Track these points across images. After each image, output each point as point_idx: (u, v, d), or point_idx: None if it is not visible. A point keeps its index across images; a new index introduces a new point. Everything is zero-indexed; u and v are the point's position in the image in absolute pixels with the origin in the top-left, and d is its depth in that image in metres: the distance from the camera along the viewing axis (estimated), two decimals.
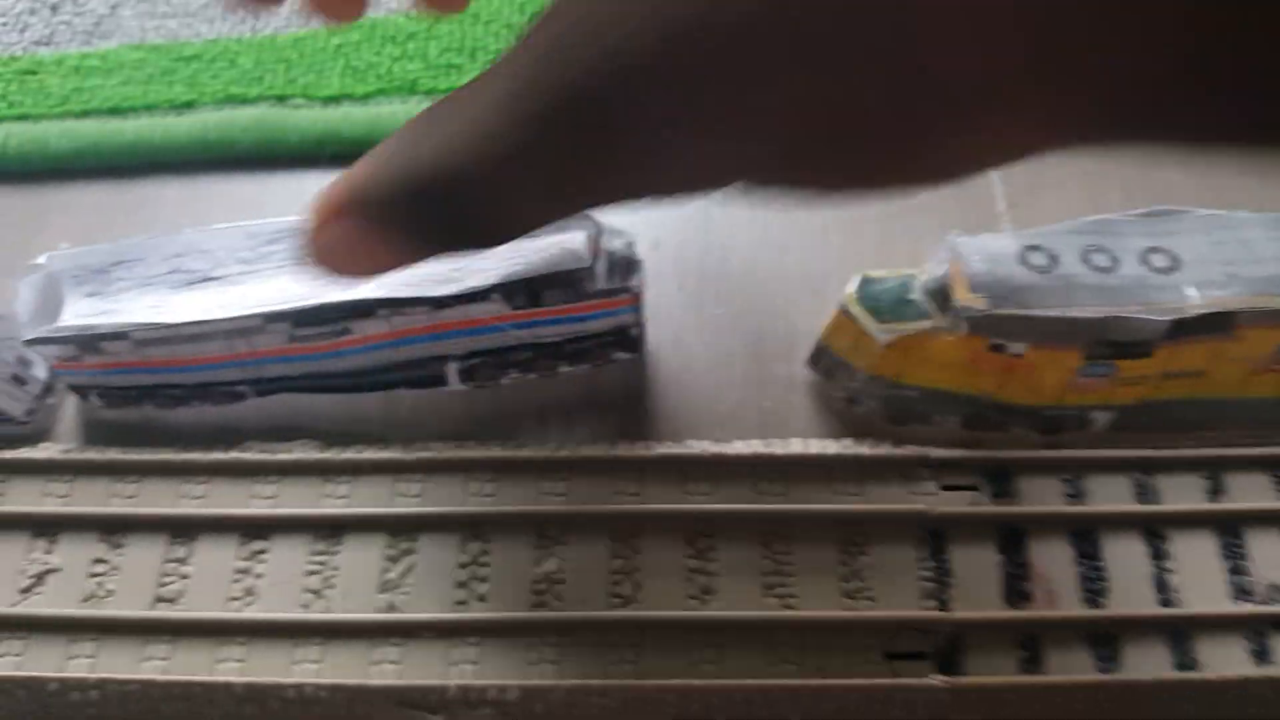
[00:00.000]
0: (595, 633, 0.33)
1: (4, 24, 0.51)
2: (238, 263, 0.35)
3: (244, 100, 0.46)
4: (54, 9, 0.51)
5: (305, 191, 0.44)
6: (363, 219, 0.23)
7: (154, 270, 0.36)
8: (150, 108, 0.46)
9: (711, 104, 0.18)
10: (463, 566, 0.34)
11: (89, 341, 0.35)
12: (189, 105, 0.46)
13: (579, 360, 0.38)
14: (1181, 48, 0.15)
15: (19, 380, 0.39)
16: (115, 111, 0.46)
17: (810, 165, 0.19)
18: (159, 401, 0.38)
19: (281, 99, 0.46)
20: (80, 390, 0.38)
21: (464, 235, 0.23)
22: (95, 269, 0.36)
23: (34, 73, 0.48)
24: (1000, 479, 0.35)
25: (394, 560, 0.35)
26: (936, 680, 0.31)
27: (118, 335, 0.35)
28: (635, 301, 0.36)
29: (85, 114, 0.47)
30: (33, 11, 0.51)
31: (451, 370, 0.37)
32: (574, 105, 0.19)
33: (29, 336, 0.35)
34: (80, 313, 0.35)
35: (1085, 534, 0.34)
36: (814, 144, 0.18)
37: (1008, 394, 0.34)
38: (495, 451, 0.36)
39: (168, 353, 0.35)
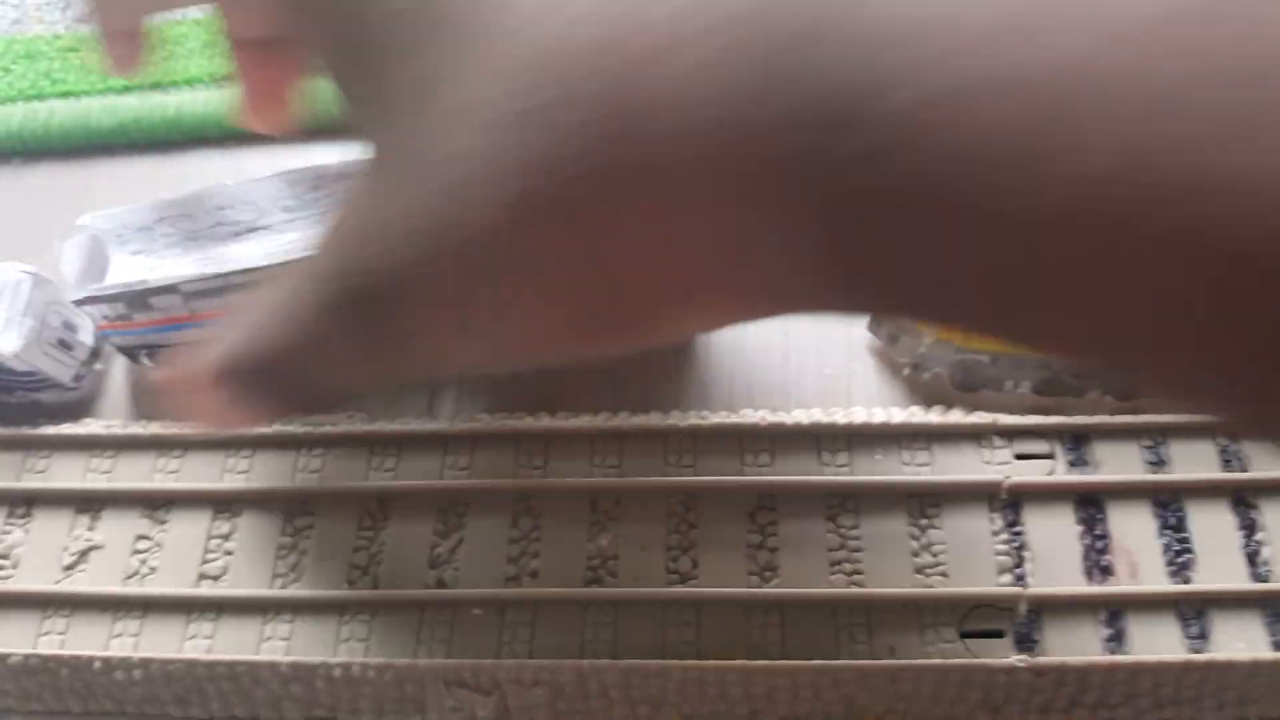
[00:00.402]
0: (651, 611, 0.31)
1: (48, 2, 0.50)
2: (282, 210, 0.34)
3: None
4: None
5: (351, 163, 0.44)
6: (223, 389, 0.25)
7: (199, 224, 0.34)
8: (192, 82, 0.45)
9: (454, 303, 0.21)
10: (513, 542, 0.33)
11: (139, 298, 0.34)
12: (230, 77, 0.45)
13: None
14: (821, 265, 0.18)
15: (65, 345, 0.38)
16: (157, 86, 0.45)
17: (542, 350, 0.23)
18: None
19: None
20: (129, 352, 0.37)
21: (301, 402, 0.27)
22: (139, 227, 0.35)
23: (76, 49, 0.47)
24: (1077, 445, 0.33)
25: (443, 535, 0.33)
26: (1016, 660, 0.29)
27: (168, 289, 0.34)
28: None
29: (127, 90, 0.45)
30: None
31: None
32: (355, 301, 0.21)
33: (77, 296, 0.34)
34: (127, 271, 0.34)
35: (1169, 503, 0.32)
36: (543, 335, 0.21)
37: None
38: (545, 423, 0.35)
39: (219, 305, 0.34)
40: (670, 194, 0.18)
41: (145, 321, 0.35)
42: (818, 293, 0.20)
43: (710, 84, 0.17)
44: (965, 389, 0.34)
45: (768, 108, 0.17)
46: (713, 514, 0.32)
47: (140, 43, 0.32)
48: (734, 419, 0.34)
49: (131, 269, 0.34)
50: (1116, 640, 0.30)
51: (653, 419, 0.34)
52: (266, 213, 0.34)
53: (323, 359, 0.24)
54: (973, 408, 0.34)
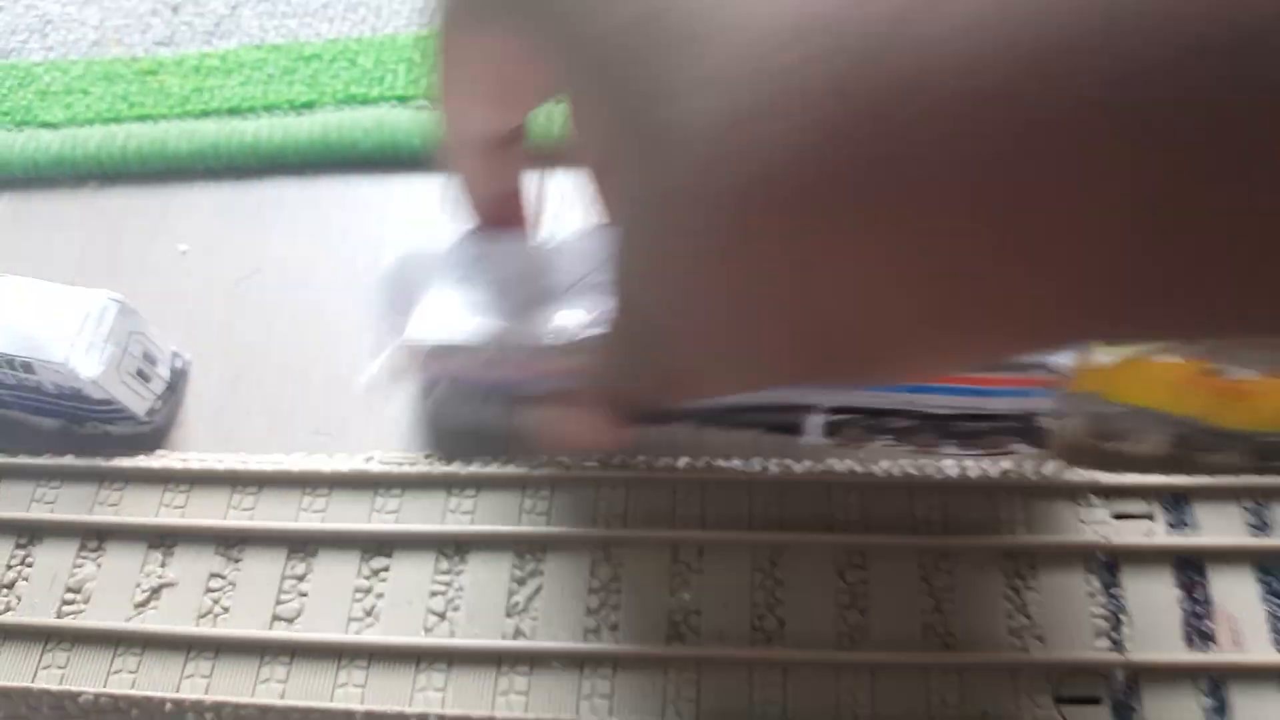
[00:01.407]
0: (736, 670, 0.30)
1: (126, 25, 0.49)
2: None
3: (365, 101, 0.44)
4: (175, 10, 0.49)
5: (428, 194, 0.43)
6: (593, 414, 0.30)
7: (512, 278, 0.32)
8: (270, 108, 0.44)
9: (706, 337, 0.22)
10: (593, 592, 0.31)
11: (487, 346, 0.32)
12: (309, 106, 0.44)
13: (970, 443, 0.33)
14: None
15: (143, 376, 0.37)
16: (235, 112, 0.44)
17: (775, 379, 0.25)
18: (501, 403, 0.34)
19: (403, 99, 0.43)
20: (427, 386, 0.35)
21: (640, 419, 0.30)
22: (454, 268, 0.33)
23: (154, 73, 0.46)
24: (1177, 506, 0.31)
25: (521, 582, 0.32)
26: None
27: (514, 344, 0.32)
28: (1054, 384, 0.30)
29: (205, 114, 0.45)
30: (154, 12, 0.49)
31: (814, 423, 0.33)
32: (638, 342, 0.25)
33: (416, 339, 0.32)
34: (446, 311, 0.32)
35: (1272, 568, 0.30)
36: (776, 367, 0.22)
37: (1220, 417, 0.30)
38: (625, 473, 0.33)
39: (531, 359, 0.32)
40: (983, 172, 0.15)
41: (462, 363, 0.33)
42: (1115, 307, 0.17)
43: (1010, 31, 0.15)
44: (1101, 439, 0.32)
45: (1118, 54, 0.14)
46: (800, 569, 0.31)
47: (516, 203, 0.33)
48: (821, 467, 0.32)
49: (445, 310, 0.32)
50: (1219, 712, 0.28)
51: (736, 465, 0.33)
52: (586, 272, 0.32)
53: (636, 389, 0.27)
54: (1106, 461, 0.32)
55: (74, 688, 0.32)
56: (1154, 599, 0.30)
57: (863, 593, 0.30)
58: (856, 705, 0.29)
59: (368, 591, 0.32)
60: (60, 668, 0.33)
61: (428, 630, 0.31)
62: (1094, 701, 0.29)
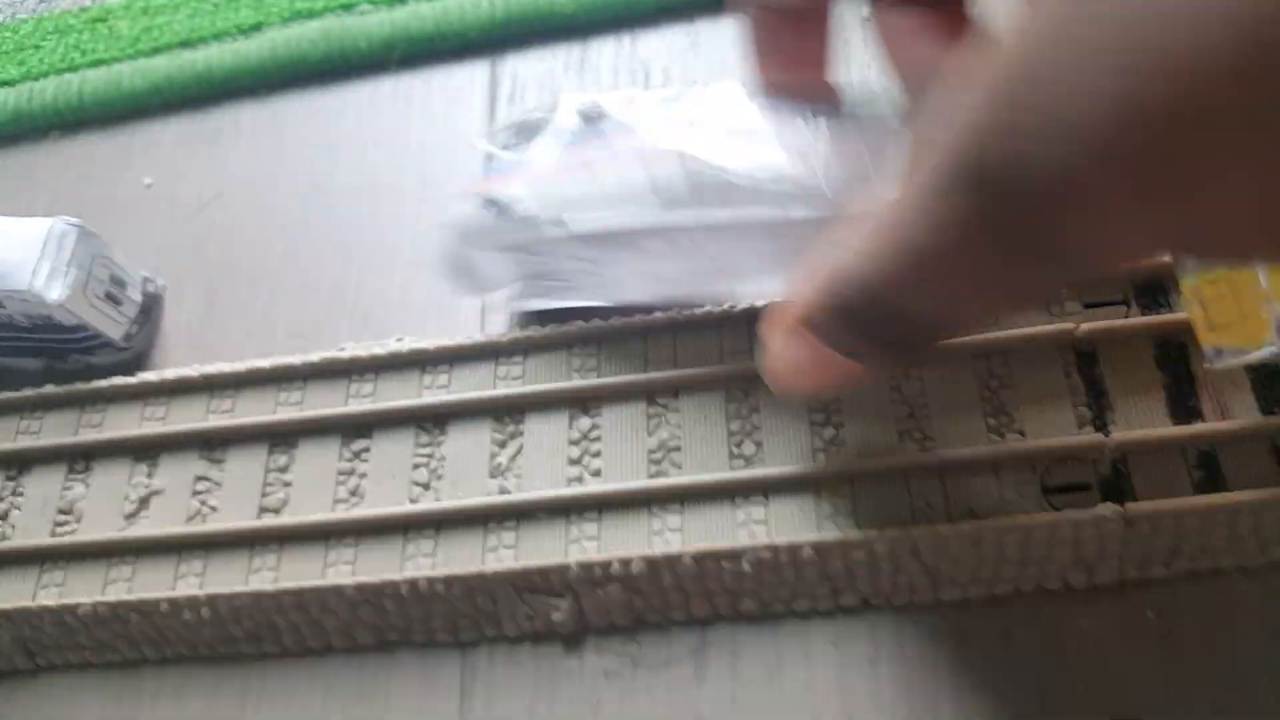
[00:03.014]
0: (718, 496, 0.29)
1: None
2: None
3: (310, 14, 0.43)
4: None
5: (380, 97, 0.42)
6: (813, 340, 0.23)
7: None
8: (219, 36, 0.43)
9: (1164, 189, 0.16)
10: (574, 443, 0.31)
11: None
12: (257, 28, 0.43)
13: None
14: None
15: (113, 299, 0.36)
16: (185, 44, 0.43)
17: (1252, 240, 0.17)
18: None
19: (348, 7, 0.42)
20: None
21: (896, 346, 0.22)
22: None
23: (104, 20, 0.45)
24: (1151, 291, 0.30)
25: (501, 445, 0.31)
26: (1106, 510, 0.26)
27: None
28: None
29: (156, 51, 0.44)
30: None
31: None
32: (996, 205, 0.17)
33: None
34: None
35: None
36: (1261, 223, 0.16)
37: None
38: (595, 324, 0.32)
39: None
40: None
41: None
42: None
43: None
44: None
45: None
46: (774, 397, 0.30)
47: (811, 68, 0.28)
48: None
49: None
50: (1211, 482, 0.27)
51: (708, 307, 0.32)
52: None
53: (939, 282, 0.19)
54: None
55: (72, 601, 0.31)
56: (1136, 381, 0.29)
57: (834, 407, 0.29)
58: (839, 514, 0.28)
59: (350, 473, 0.32)
60: (59, 585, 0.32)
61: (413, 501, 0.31)
62: (1083, 488, 0.28)
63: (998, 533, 0.27)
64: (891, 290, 0.20)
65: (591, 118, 0.30)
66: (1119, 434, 0.28)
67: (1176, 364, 0.29)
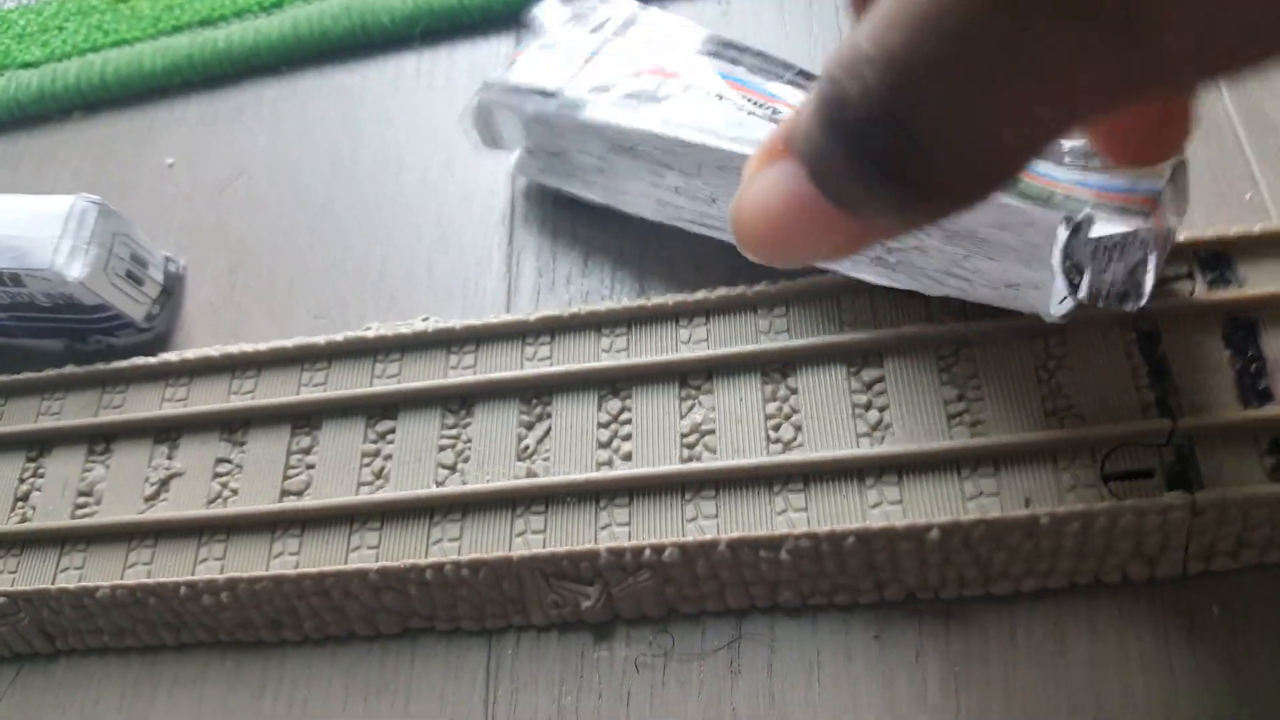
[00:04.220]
0: (756, 481, 0.27)
1: None
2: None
3: None
4: None
5: (403, 73, 0.40)
6: (798, 168, 0.16)
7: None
8: (240, 13, 0.42)
9: None
10: (603, 426, 0.29)
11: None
12: (278, 5, 0.41)
13: None
14: None
15: (134, 279, 0.35)
16: (206, 22, 0.42)
17: None
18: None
19: None
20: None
21: (910, 191, 0.15)
22: None
23: (125, 0, 0.44)
24: (1218, 265, 0.28)
25: (529, 427, 0.29)
26: (1173, 498, 0.24)
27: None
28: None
29: (177, 30, 0.42)
30: None
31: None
32: None
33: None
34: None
35: None
36: None
37: None
38: (624, 303, 0.30)
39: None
40: None
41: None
42: None
43: None
44: None
45: None
46: (813, 376, 0.28)
47: None
48: (826, 275, 0.29)
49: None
50: None
51: (739, 288, 0.30)
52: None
53: (971, 69, 0.13)
54: None
55: (91, 584, 0.30)
56: (1203, 361, 0.27)
57: (880, 390, 0.27)
58: (885, 502, 0.26)
59: (375, 455, 0.30)
60: (78, 568, 0.31)
61: (439, 484, 0.29)
62: (1146, 475, 0.26)
63: (1055, 522, 0.25)
64: (907, 86, 0.14)
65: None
66: (1186, 419, 0.26)
67: (1246, 343, 0.26)
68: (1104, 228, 0.23)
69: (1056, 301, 0.25)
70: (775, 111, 0.29)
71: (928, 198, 0.15)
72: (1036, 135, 0.14)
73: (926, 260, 0.27)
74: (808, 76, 0.30)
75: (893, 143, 0.14)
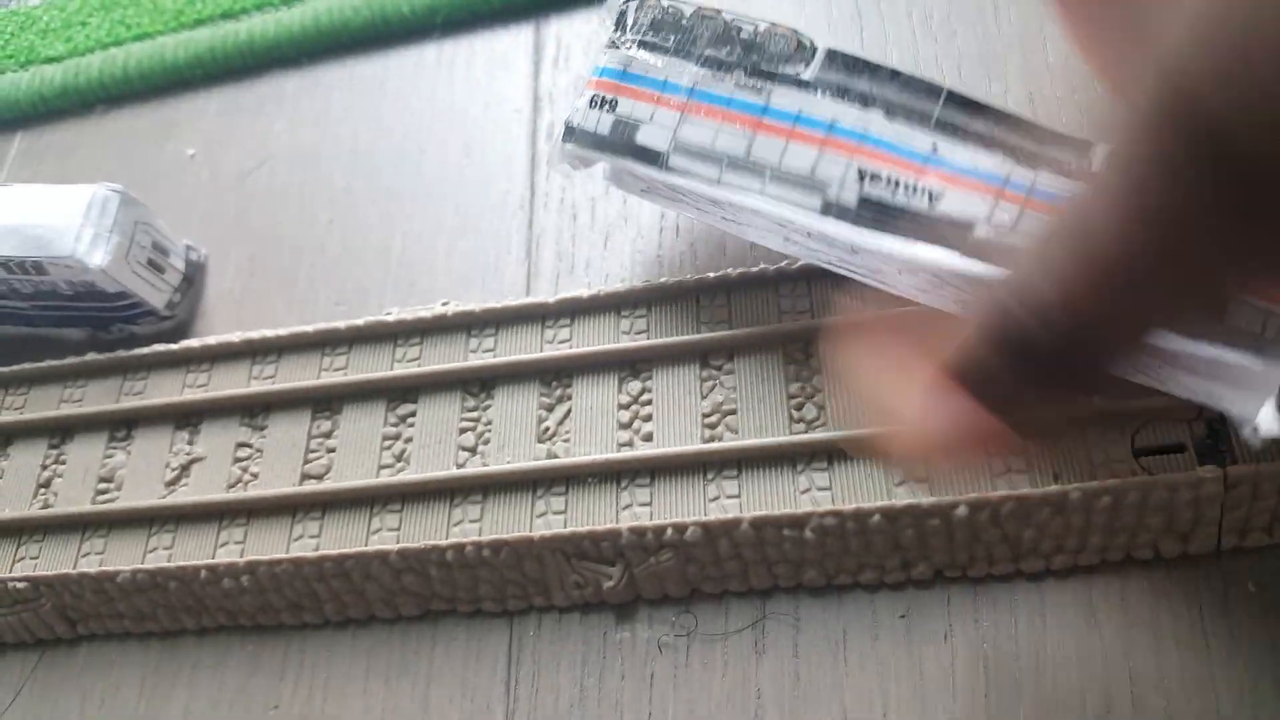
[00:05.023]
0: (778, 460, 0.26)
1: None
2: None
3: None
4: None
5: (423, 64, 0.40)
6: (973, 405, 0.18)
7: None
8: (261, 6, 0.42)
9: None
10: (624, 407, 0.28)
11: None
12: None
13: None
14: None
15: (156, 267, 0.34)
16: (228, 15, 0.42)
17: None
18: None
19: None
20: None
21: (1068, 388, 0.18)
22: None
23: None
24: None
25: (549, 409, 0.29)
26: (1206, 472, 0.24)
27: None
28: None
29: (199, 23, 0.42)
30: None
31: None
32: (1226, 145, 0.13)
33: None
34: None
35: None
36: None
37: None
38: (641, 285, 0.30)
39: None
40: None
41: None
42: None
43: None
44: None
45: None
46: (836, 354, 0.27)
47: None
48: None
49: None
50: None
51: (759, 266, 0.29)
52: None
53: (1137, 276, 0.15)
54: None
55: (112, 568, 0.29)
56: None
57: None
58: (909, 481, 0.25)
59: (396, 438, 0.30)
60: (99, 553, 0.31)
61: (459, 466, 0.29)
62: (1178, 449, 0.25)
63: (1086, 497, 0.24)
64: (1074, 301, 0.16)
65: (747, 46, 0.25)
66: None
67: None
68: None
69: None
70: (932, 198, 0.23)
71: (1079, 389, 0.19)
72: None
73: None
74: (962, 104, 0.23)
75: (1064, 355, 0.17)
